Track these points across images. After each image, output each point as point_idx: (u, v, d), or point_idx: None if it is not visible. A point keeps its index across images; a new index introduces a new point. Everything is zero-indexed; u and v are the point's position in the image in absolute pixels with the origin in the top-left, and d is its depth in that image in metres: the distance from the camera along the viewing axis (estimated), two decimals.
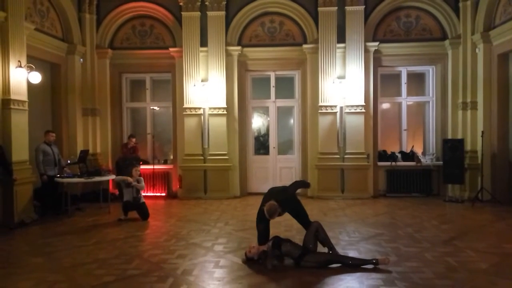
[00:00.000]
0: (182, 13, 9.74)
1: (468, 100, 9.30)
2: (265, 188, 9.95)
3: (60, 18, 9.29)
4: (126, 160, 9.57)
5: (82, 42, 9.77)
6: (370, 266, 4.60)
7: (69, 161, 8.62)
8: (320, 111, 9.58)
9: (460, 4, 9.37)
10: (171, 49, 9.98)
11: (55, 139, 8.14)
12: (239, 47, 9.90)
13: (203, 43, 9.76)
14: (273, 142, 10.41)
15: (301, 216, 5.26)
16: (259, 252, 4.78)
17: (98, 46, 10.08)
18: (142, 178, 7.89)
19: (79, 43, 9.63)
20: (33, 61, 7.85)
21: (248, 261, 4.85)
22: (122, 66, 10.33)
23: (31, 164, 7.63)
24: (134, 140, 9.82)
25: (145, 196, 9.79)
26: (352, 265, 4.64)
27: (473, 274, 4.39)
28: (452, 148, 9.04)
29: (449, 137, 9.52)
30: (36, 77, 7.58)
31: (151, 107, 10.65)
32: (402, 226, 6.70)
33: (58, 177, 7.82)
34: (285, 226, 6.33)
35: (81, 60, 9.72)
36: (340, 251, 5.16)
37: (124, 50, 10.23)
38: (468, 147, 9.26)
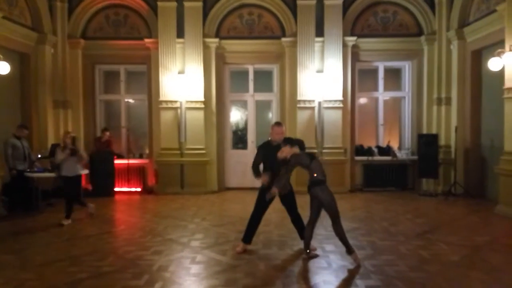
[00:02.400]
0: (158, 2, 9.51)
1: (443, 95, 9.49)
2: (243, 183, 10.10)
3: (29, 6, 8.88)
4: (100, 154, 9.36)
5: (53, 32, 9.41)
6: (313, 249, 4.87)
7: (39, 155, 8.34)
8: (298, 105, 9.58)
9: (436, 1, 9.52)
10: (146, 40, 9.74)
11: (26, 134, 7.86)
12: (216, 39, 9.76)
13: (180, 34, 9.57)
14: (251, 136, 10.36)
15: (293, 205, 5.23)
16: (291, 153, 4.73)
17: (70, 36, 9.74)
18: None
19: (49, 32, 9.26)
20: (1, 51, 7.51)
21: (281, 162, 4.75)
22: (95, 57, 10.01)
23: None
24: (108, 133, 9.60)
25: (120, 192, 9.70)
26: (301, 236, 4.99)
27: (445, 266, 4.48)
28: (426, 143, 9.23)
29: (424, 132, 9.71)
30: (4, 67, 7.27)
31: (126, 100, 10.39)
32: (378, 220, 6.80)
33: (28, 171, 7.55)
34: (263, 221, 6.29)
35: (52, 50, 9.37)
36: (317, 245, 5.20)
37: (97, 41, 9.91)
38: (442, 142, 9.46)
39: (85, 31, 9.96)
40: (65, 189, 6.97)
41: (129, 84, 10.53)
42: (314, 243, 5.13)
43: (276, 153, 4.81)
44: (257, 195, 5.17)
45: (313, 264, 4.62)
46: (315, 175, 4.73)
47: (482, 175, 8.74)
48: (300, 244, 5.17)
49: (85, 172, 8.31)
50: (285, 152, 4.77)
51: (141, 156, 10.27)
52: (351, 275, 4.25)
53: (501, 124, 7.37)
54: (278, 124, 5.29)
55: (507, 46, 6.94)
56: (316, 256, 4.85)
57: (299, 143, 4.89)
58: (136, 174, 9.96)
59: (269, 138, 5.25)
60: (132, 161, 9.98)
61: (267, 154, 5.08)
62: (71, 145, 6.83)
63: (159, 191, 9.59)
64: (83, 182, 9.13)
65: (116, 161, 9.64)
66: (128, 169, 9.86)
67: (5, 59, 7.28)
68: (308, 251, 4.83)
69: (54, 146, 8.30)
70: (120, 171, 9.77)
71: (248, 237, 5.11)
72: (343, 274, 4.28)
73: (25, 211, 7.54)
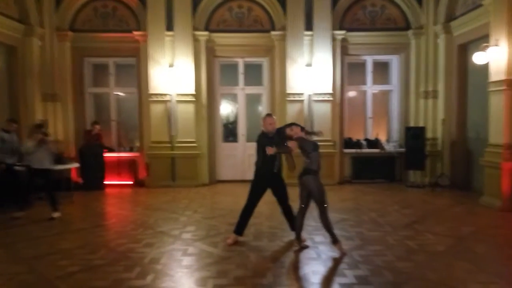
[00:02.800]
0: None
1: (430, 89, 9.62)
2: (234, 176, 10.17)
3: None
4: (90, 148, 9.32)
5: (41, 24, 9.27)
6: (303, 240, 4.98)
7: None
8: (288, 98, 9.64)
9: None
10: (135, 33, 9.67)
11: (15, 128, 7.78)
12: (206, 32, 9.74)
13: (169, 27, 9.52)
14: (242, 129, 10.40)
15: (284, 197, 5.29)
16: (299, 135, 4.88)
17: (58, 28, 9.61)
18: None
19: (37, 24, 9.13)
20: None
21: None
22: (83, 50, 9.90)
23: None
24: (98, 127, 9.55)
25: (110, 185, 9.68)
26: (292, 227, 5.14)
27: (431, 256, 4.61)
28: (414, 136, 9.37)
29: (412, 125, 9.85)
30: None
31: (115, 93, 10.32)
32: (366, 211, 6.93)
33: (17, 165, 7.48)
34: (254, 213, 6.34)
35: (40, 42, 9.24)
36: (307, 236, 5.30)
37: (86, 33, 9.80)
38: (429, 134, 9.61)
39: (73, 23, 9.83)
40: (39, 182, 6.68)
41: (119, 77, 10.44)
42: (303, 234, 5.22)
43: (272, 144, 4.90)
44: (249, 187, 5.22)
45: (303, 255, 4.71)
46: (311, 164, 4.82)
47: (467, 167, 8.92)
48: (290, 236, 5.27)
49: (75, 165, 8.29)
50: (294, 131, 4.92)
51: (131, 150, 10.25)
52: (340, 265, 4.34)
53: (486, 117, 7.53)
54: (269, 115, 5.36)
55: (492, 41, 7.07)
56: (306, 246, 4.95)
57: (305, 131, 5.08)
58: (127, 167, 9.94)
59: (262, 130, 5.28)
60: (122, 154, 9.96)
61: (266, 145, 5.13)
62: (41, 134, 6.53)
63: (150, 184, 9.60)
64: (74, 176, 9.12)
65: (107, 155, 9.61)
66: (119, 162, 9.84)
67: None
68: (299, 241, 4.92)
69: None
70: (111, 165, 9.73)
71: (240, 228, 5.17)
72: (332, 265, 4.37)
73: (15, 205, 7.48)
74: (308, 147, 4.86)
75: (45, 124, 6.84)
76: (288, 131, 4.97)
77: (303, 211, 4.94)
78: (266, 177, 5.16)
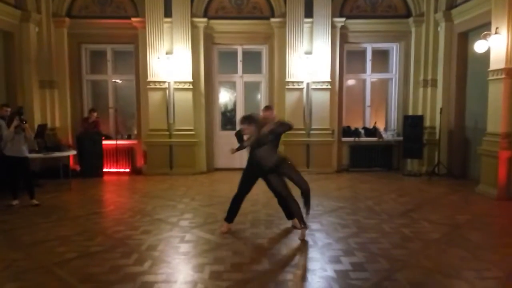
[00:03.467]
0: None
1: (429, 77, 9.58)
2: (231, 164, 10.16)
3: None
4: (87, 135, 9.31)
5: (37, 10, 9.17)
6: (299, 227, 4.93)
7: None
8: (287, 86, 9.60)
9: None
10: (133, 19, 9.58)
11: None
12: (205, 19, 9.64)
13: (167, 13, 9.43)
14: (240, 117, 10.33)
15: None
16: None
17: (55, 14, 9.52)
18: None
19: (33, 10, 9.03)
20: None
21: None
22: (81, 36, 9.82)
23: None
24: (95, 114, 9.53)
25: (108, 172, 9.70)
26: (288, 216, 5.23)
27: (426, 244, 4.65)
28: (412, 124, 9.37)
29: (410, 113, 9.84)
30: None
31: (113, 80, 10.27)
32: (363, 199, 6.96)
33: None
34: (251, 201, 6.38)
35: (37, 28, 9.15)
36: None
37: (83, 19, 9.71)
38: (427, 123, 9.61)
39: (70, 9, 9.73)
40: (16, 171, 6.58)
41: (116, 64, 10.38)
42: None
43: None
44: (241, 176, 5.22)
45: (299, 242, 4.73)
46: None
47: (465, 156, 8.94)
48: (287, 224, 5.32)
49: (72, 152, 8.28)
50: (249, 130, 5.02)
51: (129, 137, 10.24)
52: (336, 252, 4.38)
53: (485, 106, 7.51)
54: (266, 108, 5.34)
55: (493, 29, 7.01)
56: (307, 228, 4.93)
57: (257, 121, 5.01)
58: (124, 155, 9.95)
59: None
60: (120, 142, 9.95)
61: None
62: (18, 120, 6.38)
63: (148, 171, 9.61)
64: (71, 163, 9.12)
65: (104, 142, 9.60)
66: (117, 150, 9.84)
67: None
68: (303, 224, 4.86)
69: (41, 127, 8.23)
70: (109, 152, 9.74)
71: (230, 217, 5.17)
72: (328, 252, 4.40)
73: (12, 192, 7.50)
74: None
75: (22, 111, 6.69)
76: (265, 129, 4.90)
77: (290, 195, 4.92)
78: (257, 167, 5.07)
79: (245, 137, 5.18)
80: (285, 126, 5.01)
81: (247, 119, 5.06)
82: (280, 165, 4.85)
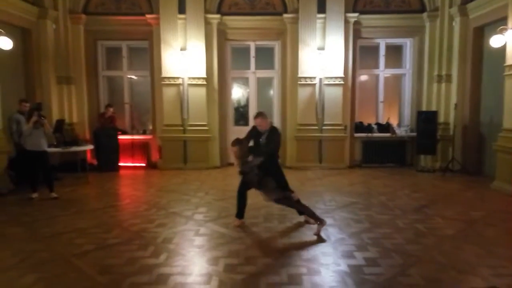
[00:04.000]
0: None
1: (443, 73, 9.49)
2: None
3: None
4: (104, 130, 9.48)
5: (54, 6, 9.34)
6: (313, 222, 5.00)
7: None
8: (299, 82, 9.61)
9: None
10: (147, 16, 9.69)
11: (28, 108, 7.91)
12: (218, 15, 9.70)
13: (181, 10, 9.51)
14: (253, 113, 10.34)
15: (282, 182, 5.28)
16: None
17: (72, 11, 9.68)
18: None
19: (50, 7, 9.20)
20: (2, 26, 7.50)
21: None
22: (97, 33, 9.98)
23: (5, 134, 7.44)
24: (111, 109, 9.69)
25: (124, 166, 9.87)
26: (300, 212, 5.20)
27: (440, 240, 4.64)
28: (425, 120, 9.29)
29: (424, 109, 9.76)
30: (7, 43, 7.28)
31: (128, 76, 10.41)
32: (376, 195, 6.95)
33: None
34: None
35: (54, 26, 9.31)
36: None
37: (99, 16, 9.86)
38: (441, 119, 9.52)
39: (87, 6, 9.89)
40: (36, 164, 6.76)
41: (132, 60, 10.53)
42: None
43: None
44: None
45: (312, 236, 4.77)
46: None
47: (479, 152, 8.85)
48: (299, 218, 5.36)
49: (89, 147, 8.43)
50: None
51: (144, 132, 10.40)
52: (349, 247, 4.41)
53: (500, 101, 7.43)
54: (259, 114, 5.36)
55: (510, 23, 6.92)
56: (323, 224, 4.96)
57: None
58: (140, 149, 10.11)
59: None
60: (136, 137, 10.11)
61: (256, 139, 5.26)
62: (37, 116, 6.55)
63: (163, 166, 9.74)
64: (89, 158, 9.30)
65: (120, 137, 9.76)
66: (132, 144, 10.00)
67: (6, 35, 7.28)
68: (319, 221, 4.89)
69: (59, 122, 8.42)
70: (125, 147, 9.90)
71: (240, 213, 5.24)
72: (341, 247, 4.43)
73: (32, 185, 7.70)
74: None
75: (41, 107, 6.86)
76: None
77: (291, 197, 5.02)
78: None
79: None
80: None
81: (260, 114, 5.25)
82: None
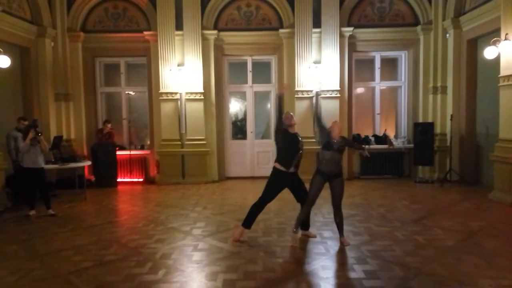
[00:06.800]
0: None
1: (439, 84, 9.58)
2: (243, 173, 10.25)
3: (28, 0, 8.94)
4: (102, 146, 9.48)
5: (53, 25, 9.45)
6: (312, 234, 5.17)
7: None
8: (296, 95, 9.67)
9: None
10: (145, 33, 9.79)
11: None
12: (215, 31, 9.81)
13: (179, 26, 9.62)
14: (250, 126, 10.46)
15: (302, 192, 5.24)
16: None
17: (70, 29, 9.78)
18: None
19: (49, 25, 9.30)
20: (1, 44, 7.57)
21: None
22: (95, 50, 10.07)
23: (2, 151, 7.43)
24: (109, 125, 9.71)
25: (123, 182, 9.85)
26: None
27: (440, 251, 4.63)
28: (422, 132, 9.34)
29: (420, 120, 9.81)
30: (4, 61, 7.34)
31: (126, 92, 10.48)
32: (375, 207, 6.95)
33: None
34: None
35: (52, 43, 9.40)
36: (315, 231, 5.36)
37: (97, 34, 9.96)
38: (438, 130, 9.58)
39: (85, 24, 9.99)
40: (33, 181, 6.75)
41: (130, 76, 10.60)
42: (312, 229, 5.28)
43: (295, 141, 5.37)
44: (266, 184, 5.16)
45: (312, 250, 4.76)
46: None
47: (477, 162, 8.88)
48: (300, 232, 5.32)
49: (87, 163, 8.42)
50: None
51: (142, 147, 10.42)
52: (349, 260, 4.39)
53: (496, 112, 7.48)
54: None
55: (502, 35, 7.01)
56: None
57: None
58: (138, 165, 10.11)
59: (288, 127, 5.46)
60: (134, 152, 10.12)
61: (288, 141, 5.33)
62: (33, 133, 6.53)
63: (161, 181, 9.72)
64: (86, 174, 9.27)
65: (118, 152, 9.76)
66: (130, 160, 10.00)
67: (5, 53, 7.34)
68: (296, 229, 5.01)
69: (57, 139, 8.42)
70: (122, 162, 9.90)
71: (249, 222, 5.15)
72: (341, 260, 4.42)
73: (29, 203, 7.66)
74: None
75: (37, 123, 6.86)
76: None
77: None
78: (283, 176, 5.05)
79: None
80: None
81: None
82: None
